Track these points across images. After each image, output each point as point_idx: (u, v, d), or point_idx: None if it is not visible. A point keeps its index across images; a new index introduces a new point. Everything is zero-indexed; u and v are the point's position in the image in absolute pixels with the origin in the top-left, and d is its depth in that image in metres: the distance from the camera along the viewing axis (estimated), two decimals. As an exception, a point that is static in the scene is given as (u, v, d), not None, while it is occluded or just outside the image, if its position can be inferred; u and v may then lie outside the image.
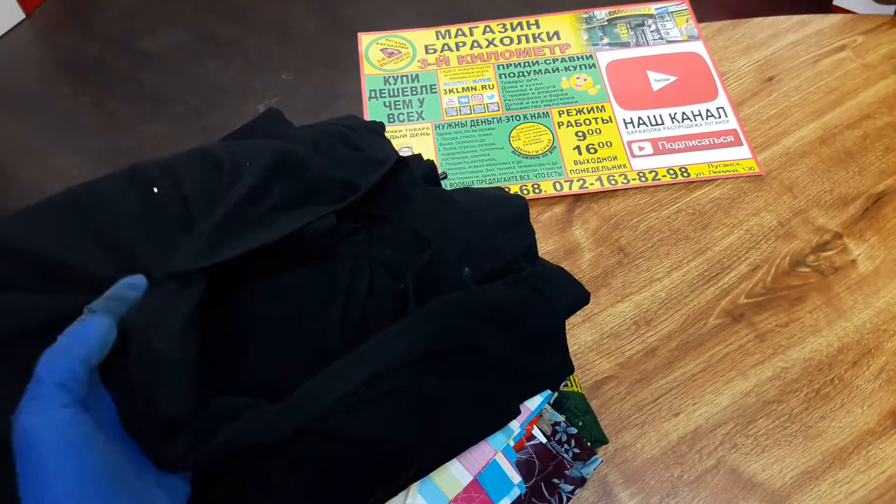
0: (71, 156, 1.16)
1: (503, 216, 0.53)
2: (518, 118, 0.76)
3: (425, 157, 0.58)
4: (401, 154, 0.60)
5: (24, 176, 1.11)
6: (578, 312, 0.64)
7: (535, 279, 0.50)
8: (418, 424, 0.44)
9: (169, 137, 1.18)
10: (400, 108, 0.78)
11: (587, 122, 0.76)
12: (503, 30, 0.84)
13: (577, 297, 0.53)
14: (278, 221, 0.46)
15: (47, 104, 1.26)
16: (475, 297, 0.46)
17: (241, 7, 1.45)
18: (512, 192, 0.70)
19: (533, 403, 0.51)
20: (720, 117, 0.76)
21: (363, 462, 0.42)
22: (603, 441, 0.56)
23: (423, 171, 0.56)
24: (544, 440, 0.53)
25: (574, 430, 0.54)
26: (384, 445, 0.42)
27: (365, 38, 0.84)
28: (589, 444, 0.54)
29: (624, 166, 0.72)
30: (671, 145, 0.74)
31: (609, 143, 0.74)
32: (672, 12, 0.85)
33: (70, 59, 1.37)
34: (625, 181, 0.71)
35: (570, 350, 0.52)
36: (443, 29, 0.84)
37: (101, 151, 1.19)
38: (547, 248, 0.68)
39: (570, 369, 0.52)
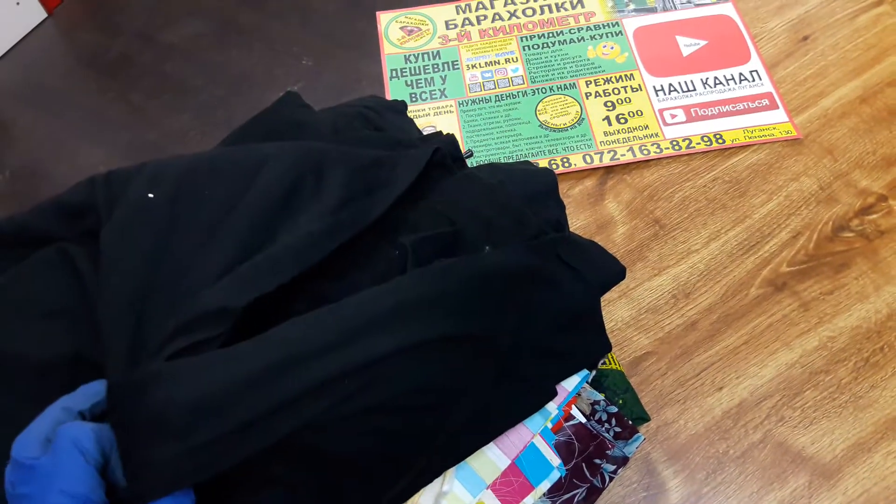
0: (99, 151, 1.16)
1: (531, 191, 0.51)
2: (544, 91, 0.74)
3: (449, 136, 0.56)
4: (424, 133, 0.58)
5: (54, 173, 1.11)
6: (614, 288, 0.62)
7: (561, 250, 0.48)
8: (421, 428, 0.42)
9: (194, 129, 1.17)
10: (422, 87, 0.76)
11: (616, 91, 0.73)
12: (525, 0, 0.82)
13: (612, 272, 0.51)
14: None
15: (74, 101, 1.26)
16: (480, 263, 0.43)
17: (261, -7, 1.43)
18: (540, 166, 0.69)
19: (570, 384, 0.49)
20: (754, 80, 0.73)
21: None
22: (644, 419, 0.54)
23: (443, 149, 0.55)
24: (584, 420, 0.52)
25: (614, 409, 0.52)
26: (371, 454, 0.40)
27: (384, 17, 0.82)
28: (630, 422, 0.52)
29: (656, 135, 0.70)
30: (704, 111, 0.72)
31: (640, 112, 0.72)
32: (700, -26, 0.82)
33: (94, 56, 1.37)
34: (658, 150, 0.69)
35: (606, 327, 0.51)
36: (463, 3, 0.82)
37: (129, 145, 1.19)
38: (579, 223, 0.66)
39: (607, 347, 0.50)
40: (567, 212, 0.52)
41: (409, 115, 0.61)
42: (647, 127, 0.71)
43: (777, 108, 0.71)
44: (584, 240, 0.53)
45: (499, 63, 0.77)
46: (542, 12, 0.81)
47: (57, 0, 1.28)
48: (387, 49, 0.80)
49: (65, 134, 1.10)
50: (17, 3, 1.18)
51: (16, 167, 1.06)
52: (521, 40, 0.79)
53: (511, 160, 0.69)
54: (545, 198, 0.50)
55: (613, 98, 0.73)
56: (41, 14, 1.27)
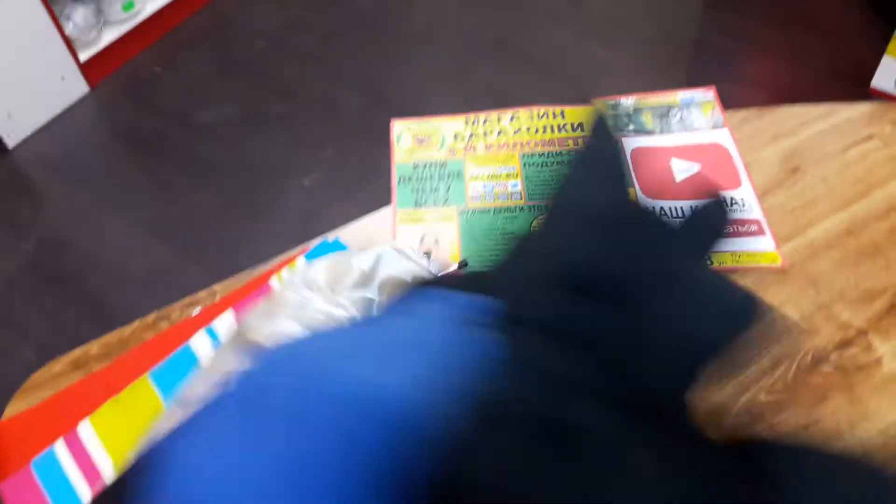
0: (122, 225, 1.21)
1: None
2: (540, 208, 0.78)
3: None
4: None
5: (79, 243, 1.16)
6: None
7: None
8: None
9: (216, 208, 1.23)
10: (427, 194, 0.80)
11: (609, 211, 0.77)
12: (530, 119, 0.86)
13: None
14: None
15: (105, 174, 1.33)
16: None
17: (293, 86, 1.51)
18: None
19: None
20: (744, 206, 0.76)
21: None
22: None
23: None
24: None
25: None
26: None
27: (397, 126, 0.87)
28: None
29: (644, 257, 0.73)
30: (693, 236, 0.74)
31: (630, 234, 0.75)
32: (699, 102, 0.86)
33: (129, 132, 1.44)
34: (644, 272, 0.72)
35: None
36: (472, 116, 0.87)
37: (151, 221, 1.24)
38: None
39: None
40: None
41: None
42: (637, 248, 0.74)
43: (764, 234, 0.74)
44: None
45: (500, 177, 0.81)
46: (545, 132, 0.85)
47: (101, 76, 1.35)
48: (397, 157, 0.84)
49: (93, 205, 1.15)
50: (63, 78, 1.25)
51: (43, 235, 1.10)
52: (523, 157, 0.83)
53: (504, 273, 0.72)
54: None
55: (607, 218, 0.76)
56: (84, 88, 1.34)
